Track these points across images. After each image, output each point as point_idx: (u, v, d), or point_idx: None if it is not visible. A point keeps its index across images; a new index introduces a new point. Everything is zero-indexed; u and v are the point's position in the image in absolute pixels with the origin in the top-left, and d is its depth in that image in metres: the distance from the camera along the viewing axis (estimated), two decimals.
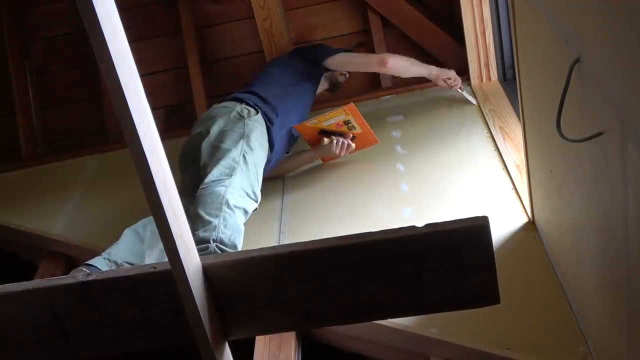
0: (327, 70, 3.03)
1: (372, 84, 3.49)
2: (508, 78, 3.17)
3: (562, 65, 1.44)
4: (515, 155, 2.59)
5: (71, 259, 2.81)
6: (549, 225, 2.07)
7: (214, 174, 2.39)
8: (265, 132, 2.64)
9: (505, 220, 2.28)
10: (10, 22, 3.58)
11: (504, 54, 3.16)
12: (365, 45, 3.48)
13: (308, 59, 2.99)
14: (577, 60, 1.37)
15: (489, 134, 2.80)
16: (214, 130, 2.56)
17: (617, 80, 1.19)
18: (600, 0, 1.23)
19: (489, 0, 3.05)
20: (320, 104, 3.15)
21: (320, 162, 2.89)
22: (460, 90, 3.07)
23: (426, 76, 3.08)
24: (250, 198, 2.41)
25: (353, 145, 2.78)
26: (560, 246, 1.97)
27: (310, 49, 3.14)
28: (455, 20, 3.30)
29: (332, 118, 2.74)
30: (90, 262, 2.21)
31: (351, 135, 2.77)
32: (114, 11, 1.09)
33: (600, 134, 1.31)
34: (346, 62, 3.01)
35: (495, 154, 2.67)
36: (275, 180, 2.84)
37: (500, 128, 2.80)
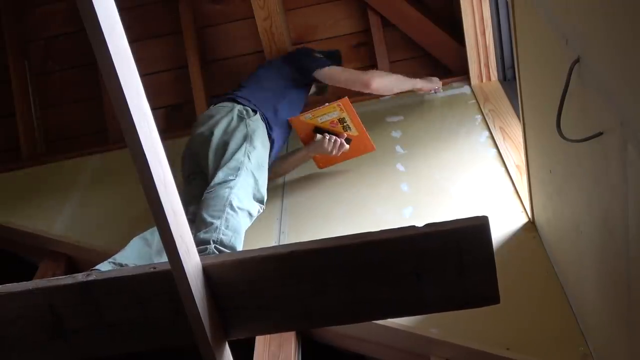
0: (316, 80, 3.01)
1: None
2: (508, 78, 3.17)
3: (562, 65, 1.44)
4: (515, 155, 2.59)
5: (71, 259, 2.81)
6: (549, 225, 2.07)
7: (220, 176, 2.40)
8: (266, 131, 2.66)
9: (505, 221, 2.28)
10: (10, 22, 3.58)
11: (504, 54, 3.16)
12: (366, 45, 3.48)
13: (299, 67, 2.97)
14: (577, 60, 1.37)
15: (489, 134, 2.80)
16: (218, 131, 2.57)
17: (617, 80, 1.19)
18: (600, 0, 1.23)
19: (489, 0, 3.05)
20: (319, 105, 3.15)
21: (319, 168, 2.86)
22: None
23: (411, 89, 3.11)
24: (256, 198, 2.42)
25: (346, 145, 2.72)
26: (560, 246, 1.97)
27: (302, 56, 3.09)
28: (455, 20, 3.30)
29: (327, 114, 2.70)
30: (96, 267, 2.21)
31: (345, 135, 2.73)
32: (114, 11, 1.09)
33: (600, 134, 1.31)
34: (332, 78, 2.97)
35: (495, 154, 2.67)
36: (276, 180, 2.84)
37: (500, 128, 2.80)
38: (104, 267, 2.21)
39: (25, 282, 1.37)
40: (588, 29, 1.32)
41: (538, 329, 1.87)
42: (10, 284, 1.37)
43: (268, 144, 2.64)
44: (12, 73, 3.55)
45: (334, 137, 2.71)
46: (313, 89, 3.14)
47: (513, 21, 2.01)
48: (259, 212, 2.43)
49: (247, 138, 2.53)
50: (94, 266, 2.23)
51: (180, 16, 3.50)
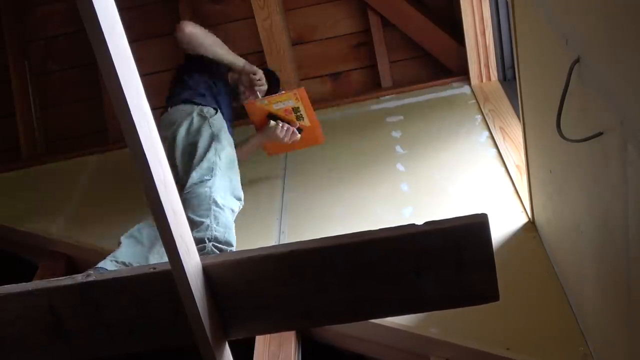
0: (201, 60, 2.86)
1: (372, 84, 3.50)
2: (508, 78, 3.18)
3: (562, 65, 1.44)
4: (515, 155, 2.59)
5: (71, 259, 2.81)
6: (549, 225, 2.07)
7: (194, 177, 2.39)
8: (227, 129, 2.66)
9: (505, 220, 2.28)
10: (10, 22, 3.58)
11: (504, 54, 3.16)
12: (366, 45, 3.48)
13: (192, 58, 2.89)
14: (577, 60, 1.37)
15: (489, 134, 2.80)
16: (181, 134, 2.54)
17: (617, 80, 1.19)
18: (600, 0, 1.23)
19: (489, 0, 3.05)
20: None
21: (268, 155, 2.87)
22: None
23: (233, 65, 2.90)
24: (234, 195, 2.43)
25: (298, 135, 2.76)
26: (560, 246, 1.97)
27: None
28: (455, 20, 3.30)
29: (282, 102, 2.73)
30: (99, 265, 2.20)
31: (298, 125, 2.77)
32: (114, 11, 1.09)
33: (600, 134, 1.31)
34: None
35: (495, 154, 2.67)
36: (275, 180, 2.85)
37: (500, 128, 2.81)
38: (106, 264, 2.21)
39: (25, 283, 1.37)
40: (588, 29, 1.32)
41: (538, 329, 1.87)
42: (10, 285, 1.37)
43: (232, 141, 2.64)
44: (12, 73, 3.55)
45: (286, 125, 2.74)
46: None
47: (513, 21, 2.01)
48: (239, 208, 2.44)
49: (214, 137, 2.53)
50: (94, 266, 2.23)
51: (180, 16, 3.49)
